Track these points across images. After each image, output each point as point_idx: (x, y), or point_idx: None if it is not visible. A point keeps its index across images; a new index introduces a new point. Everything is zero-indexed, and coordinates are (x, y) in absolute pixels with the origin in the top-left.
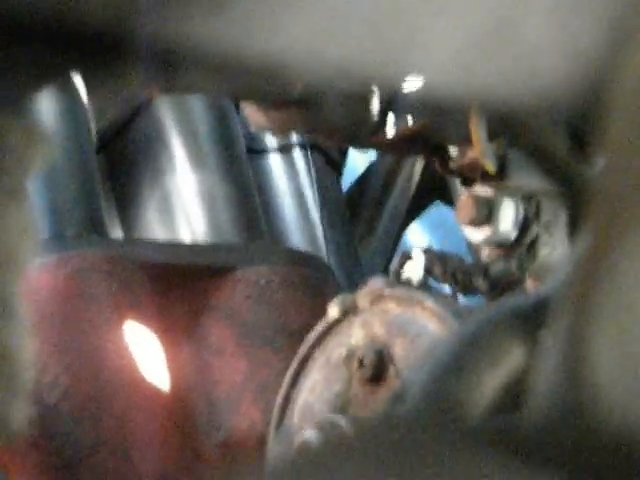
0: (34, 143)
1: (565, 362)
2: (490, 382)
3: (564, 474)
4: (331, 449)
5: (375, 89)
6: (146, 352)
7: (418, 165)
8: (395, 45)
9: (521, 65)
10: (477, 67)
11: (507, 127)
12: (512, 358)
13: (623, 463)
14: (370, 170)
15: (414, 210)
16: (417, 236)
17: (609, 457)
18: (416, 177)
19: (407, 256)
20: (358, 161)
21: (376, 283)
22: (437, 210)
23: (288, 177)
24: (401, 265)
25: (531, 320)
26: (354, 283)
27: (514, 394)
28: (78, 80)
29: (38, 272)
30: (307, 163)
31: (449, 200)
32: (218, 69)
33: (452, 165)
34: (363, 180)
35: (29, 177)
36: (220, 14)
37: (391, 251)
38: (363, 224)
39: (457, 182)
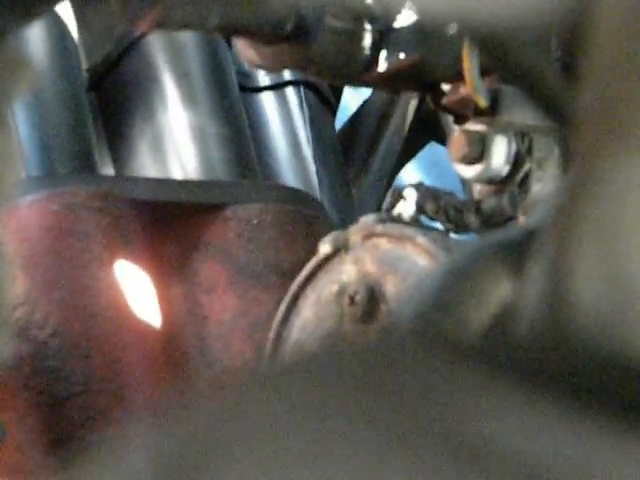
0: (16, 69)
1: (549, 285)
2: (478, 315)
3: (548, 388)
4: (313, 368)
5: (367, 24)
6: (137, 289)
7: (412, 104)
8: None
9: None
10: None
11: (499, 61)
12: (500, 290)
13: (604, 378)
14: (364, 109)
15: (408, 149)
16: (411, 175)
17: (591, 373)
18: (410, 116)
19: (399, 193)
20: (352, 100)
21: (368, 220)
22: (431, 149)
23: (281, 115)
24: (393, 202)
25: (519, 252)
26: (347, 221)
27: (502, 326)
28: (69, 17)
29: (28, 208)
30: (300, 101)
31: (443, 139)
32: None
33: (444, 102)
34: (356, 119)
35: (10, 104)
36: None
37: (384, 190)
38: (356, 163)
39: (450, 120)
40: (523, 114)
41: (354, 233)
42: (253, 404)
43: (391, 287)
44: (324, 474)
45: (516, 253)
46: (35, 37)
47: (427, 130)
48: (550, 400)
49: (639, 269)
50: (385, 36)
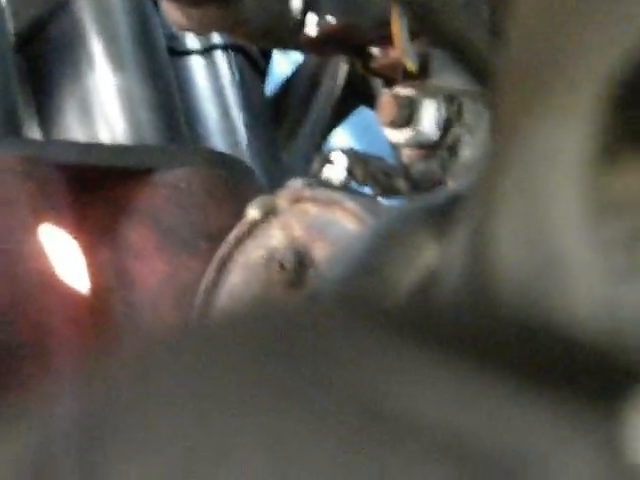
0: None
1: (472, 249)
2: (403, 278)
3: (470, 354)
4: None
5: None
6: (63, 254)
7: (342, 68)
8: None
9: None
10: None
11: (428, 24)
12: (425, 254)
13: (525, 342)
14: (293, 73)
15: (338, 114)
16: (342, 140)
17: (512, 337)
18: (340, 80)
19: (327, 158)
20: (282, 64)
21: (296, 184)
22: (362, 114)
23: (210, 79)
24: (321, 167)
25: (445, 216)
26: (276, 186)
27: (426, 290)
28: None
29: None
30: (229, 65)
31: (373, 104)
32: None
33: (374, 65)
34: (286, 83)
35: None
36: None
37: (315, 155)
38: (286, 127)
39: (380, 84)
40: (452, 78)
41: (282, 198)
42: (168, 363)
43: (320, 252)
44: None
45: (441, 217)
46: None
47: (357, 94)
48: (472, 366)
49: (559, 233)
50: None
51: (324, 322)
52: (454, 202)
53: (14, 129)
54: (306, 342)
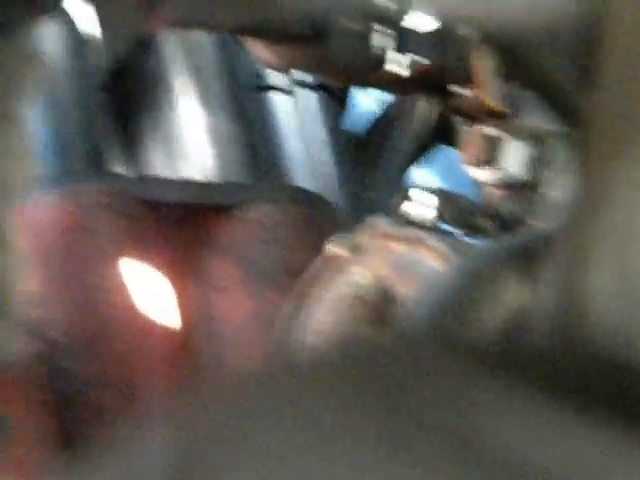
0: (28, 66)
1: (563, 288)
2: (491, 318)
3: (562, 392)
4: (318, 365)
5: (379, 25)
6: (149, 289)
7: (425, 106)
8: None
9: None
10: None
11: (513, 64)
12: (513, 294)
13: (617, 382)
14: (377, 110)
15: (421, 151)
16: (424, 178)
17: (604, 376)
18: (423, 118)
19: (411, 195)
20: (365, 101)
21: (381, 222)
22: (445, 152)
23: (295, 116)
24: (406, 204)
25: (533, 257)
26: (360, 223)
27: (516, 330)
28: (84, 17)
29: (42, 207)
30: (314, 102)
31: (456, 143)
32: None
33: (458, 104)
34: (370, 120)
35: (24, 101)
36: None
37: (397, 192)
38: (370, 164)
39: (463, 123)
40: (538, 118)
41: (367, 235)
42: (266, 405)
43: (404, 290)
44: (333, 474)
45: (529, 257)
46: (48, 34)
47: (440, 133)
48: (564, 404)
49: None
50: (399, 38)
51: (418, 362)
52: (541, 243)
53: (102, 164)
54: (402, 382)
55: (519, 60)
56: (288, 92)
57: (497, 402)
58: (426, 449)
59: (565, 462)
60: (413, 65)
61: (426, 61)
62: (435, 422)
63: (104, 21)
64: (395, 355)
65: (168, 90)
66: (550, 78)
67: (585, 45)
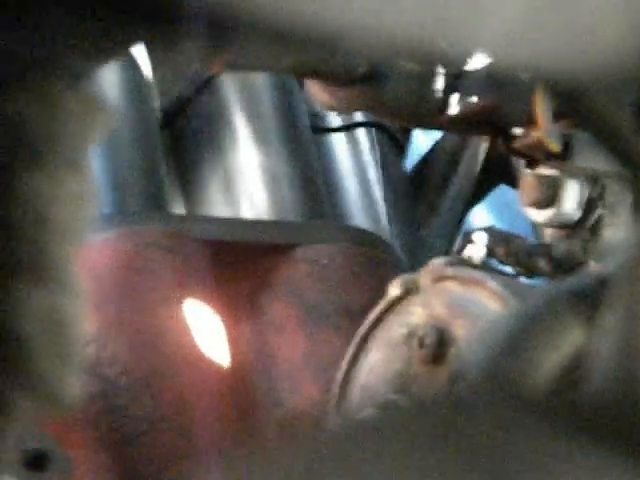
0: (93, 113)
1: (623, 335)
2: (549, 362)
3: (623, 450)
4: (387, 423)
5: (439, 67)
6: (206, 329)
7: (482, 146)
8: (454, 16)
9: (582, 36)
10: (538, 38)
11: (572, 106)
12: (571, 338)
13: None
14: (434, 150)
15: (478, 192)
16: (481, 218)
17: None
18: (480, 158)
19: (470, 236)
20: (422, 141)
21: (438, 263)
22: (501, 192)
23: (352, 156)
24: (464, 245)
25: (591, 300)
26: (417, 264)
27: (573, 374)
28: (143, 57)
29: (100, 247)
30: (371, 142)
31: (513, 182)
32: (275, 39)
33: (516, 145)
34: (427, 160)
35: (88, 147)
36: None
37: (454, 232)
38: (426, 204)
39: (521, 163)
40: (595, 159)
41: (424, 275)
42: (326, 462)
43: (461, 330)
44: None
45: (589, 301)
46: (109, 76)
47: (497, 173)
48: (624, 459)
49: None
50: (458, 79)
51: (481, 413)
52: (600, 286)
53: (159, 204)
54: (463, 436)
55: (578, 102)
56: (345, 132)
57: (557, 455)
58: None
59: None
60: (473, 106)
61: (486, 102)
62: (495, 473)
63: (157, 62)
64: (454, 405)
65: (227, 131)
66: (608, 121)
67: None
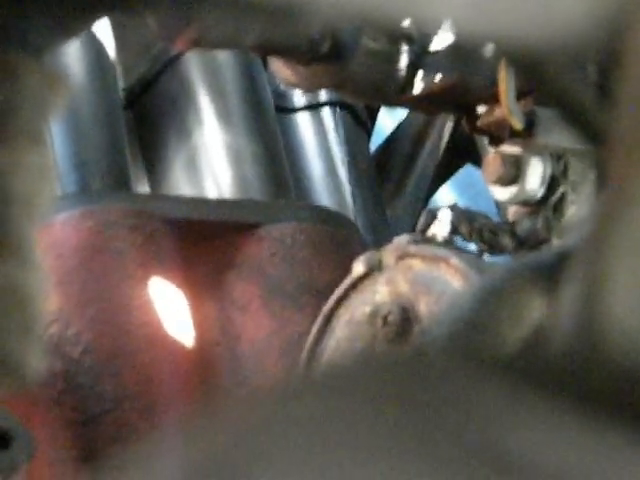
0: (53, 87)
1: (583, 304)
2: (512, 335)
3: (581, 405)
4: (343, 381)
5: (403, 45)
6: (170, 307)
7: (447, 126)
8: None
9: (542, 6)
10: (499, 5)
11: (535, 83)
12: (533, 311)
13: (637, 392)
14: (399, 130)
15: (443, 171)
16: (446, 197)
17: (624, 391)
18: (445, 138)
19: (434, 214)
20: (387, 120)
21: (402, 241)
22: (466, 171)
23: (316, 135)
24: (427, 223)
25: (553, 273)
26: (381, 242)
27: (536, 346)
28: (106, 36)
29: (63, 225)
30: (335, 121)
31: (478, 161)
32: (239, 13)
33: (480, 123)
34: (392, 140)
35: (47, 121)
36: None
37: (419, 211)
38: (391, 184)
39: (485, 142)
40: (559, 137)
41: (388, 254)
42: (282, 417)
43: (424, 307)
44: None
45: (550, 274)
46: (72, 55)
47: (462, 152)
48: (583, 416)
49: None
50: (421, 57)
51: (440, 376)
52: (561, 259)
53: (123, 183)
54: (420, 394)
55: (541, 78)
56: (310, 111)
57: (516, 413)
58: (446, 454)
59: (581, 471)
60: (437, 84)
61: (450, 80)
62: (453, 431)
63: (120, 41)
64: (413, 370)
65: (191, 110)
66: (571, 96)
67: (607, 62)
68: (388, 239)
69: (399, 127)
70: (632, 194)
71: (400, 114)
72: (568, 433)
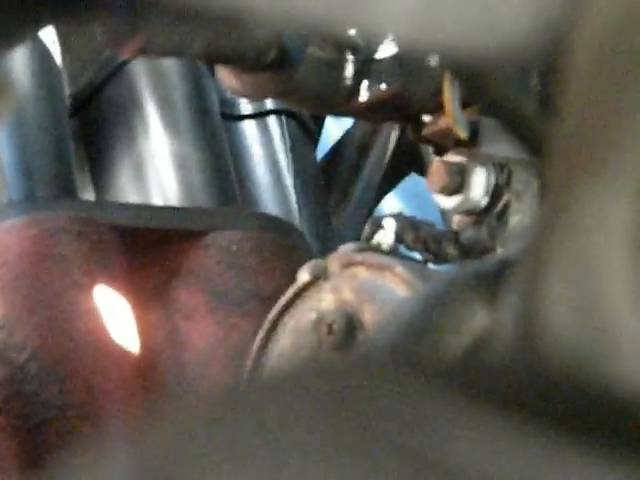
0: None
1: (522, 313)
2: (453, 343)
3: (520, 414)
4: (283, 390)
5: (348, 54)
6: (115, 315)
7: (393, 135)
8: None
9: (486, 13)
10: (440, 18)
11: (478, 93)
12: (475, 319)
13: (575, 404)
14: (345, 139)
15: (388, 180)
16: (391, 205)
17: (562, 400)
18: (391, 147)
19: (378, 223)
20: (333, 130)
21: (347, 249)
22: (411, 180)
23: (262, 143)
24: (372, 231)
25: (494, 282)
26: (327, 250)
27: (477, 354)
28: (52, 42)
29: (7, 233)
30: (281, 130)
31: (423, 171)
32: (186, 20)
33: (425, 132)
34: (338, 149)
35: None
36: None
37: (365, 220)
38: (337, 193)
39: (430, 151)
40: (502, 146)
41: (333, 262)
42: (224, 422)
43: (369, 316)
44: None
45: (491, 283)
46: (18, 61)
47: (407, 161)
48: (521, 426)
49: (608, 299)
50: (367, 66)
51: (379, 383)
52: (503, 268)
53: (69, 190)
54: (359, 400)
55: (483, 87)
56: (256, 119)
57: (457, 422)
58: (382, 466)
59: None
60: (382, 93)
61: (395, 89)
62: (390, 441)
63: (66, 48)
64: (355, 377)
65: (137, 117)
66: (513, 105)
67: (548, 72)
68: (334, 247)
69: (345, 135)
70: (569, 203)
71: (346, 123)
72: (505, 442)
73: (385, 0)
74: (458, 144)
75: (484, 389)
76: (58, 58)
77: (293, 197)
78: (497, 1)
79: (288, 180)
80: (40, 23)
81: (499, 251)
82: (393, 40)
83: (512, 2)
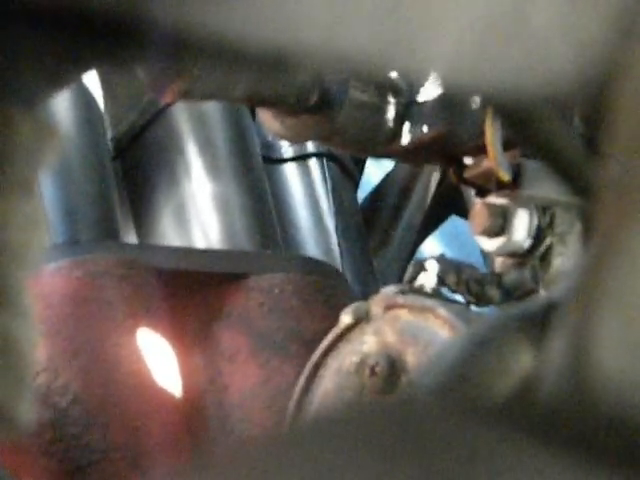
0: (45, 137)
1: (571, 355)
2: (499, 386)
3: (570, 456)
4: (332, 430)
5: (390, 97)
6: (158, 358)
7: (434, 177)
8: (404, 37)
9: (530, 55)
10: (487, 62)
11: (521, 134)
12: (521, 362)
13: (625, 443)
14: (386, 181)
15: (430, 222)
16: (433, 248)
17: (613, 441)
18: (432, 189)
19: (421, 265)
20: (374, 172)
21: (389, 291)
22: (452, 222)
23: (304, 186)
24: (415, 274)
25: (540, 324)
26: (368, 293)
27: (524, 396)
28: (95, 86)
29: (52, 275)
30: (323, 172)
31: (464, 213)
32: (229, 64)
33: (467, 175)
34: (379, 191)
35: (39, 171)
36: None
37: (406, 262)
38: (378, 235)
39: (472, 193)
40: (545, 188)
41: (375, 304)
42: (270, 468)
43: (412, 358)
44: None
45: (537, 325)
46: (61, 105)
47: (449, 203)
48: (574, 465)
49: None
50: (409, 109)
51: (427, 426)
52: (548, 310)
53: (112, 233)
54: (411, 440)
55: (526, 129)
56: (297, 162)
57: (513, 459)
58: None
59: None
60: (424, 135)
61: (437, 131)
62: (453, 477)
63: (108, 92)
64: (401, 420)
65: (179, 160)
66: (558, 147)
67: (595, 114)
68: (375, 290)
69: (386, 178)
70: (619, 245)
71: (387, 165)
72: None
73: (429, 42)
74: (500, 186)
75: (536, 428)
76: (100, 102)
77: (334, 239)
78: (541, 42)
79: (329, 222)
80: (83, 67)
81: (542, 293)
82: (435, 82)
83: (555, 44)
